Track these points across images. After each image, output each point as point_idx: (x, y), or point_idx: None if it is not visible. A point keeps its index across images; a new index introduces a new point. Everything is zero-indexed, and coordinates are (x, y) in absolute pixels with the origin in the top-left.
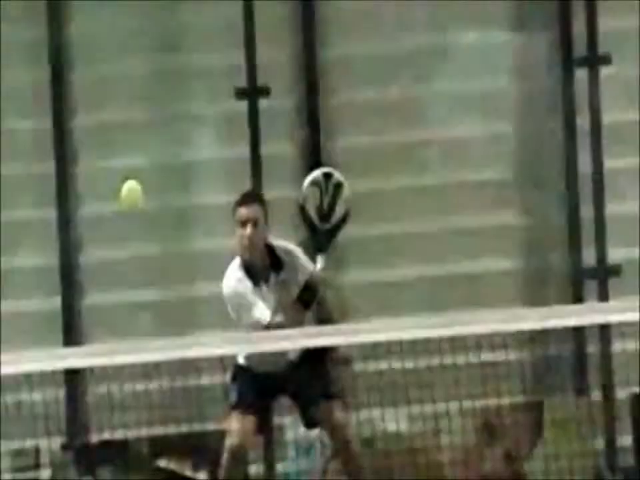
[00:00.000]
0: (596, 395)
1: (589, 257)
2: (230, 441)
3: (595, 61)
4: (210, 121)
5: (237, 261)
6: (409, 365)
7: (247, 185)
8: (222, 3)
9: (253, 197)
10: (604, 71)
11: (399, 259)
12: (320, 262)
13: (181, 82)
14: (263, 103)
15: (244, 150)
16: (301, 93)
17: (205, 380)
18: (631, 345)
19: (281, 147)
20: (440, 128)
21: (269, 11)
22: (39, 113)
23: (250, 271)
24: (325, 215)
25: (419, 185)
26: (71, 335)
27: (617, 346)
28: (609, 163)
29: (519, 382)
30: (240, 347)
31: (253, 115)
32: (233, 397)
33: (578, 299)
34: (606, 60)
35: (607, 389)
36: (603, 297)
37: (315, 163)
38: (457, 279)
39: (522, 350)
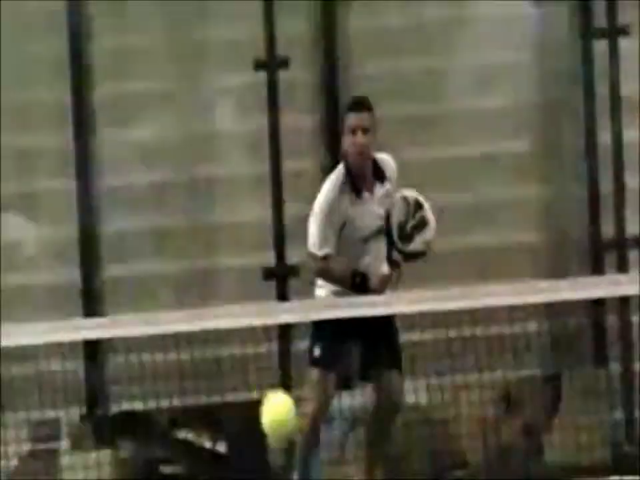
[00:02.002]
0: (615, 367)
1: (608, 228)
2: (315, 400)
3: (614, 32)
4: (230, 92)
5: (339, 171)
6: (428, 336)
7: (265, 157)
8: None
9: (363, 103)
10: (624, 43)
11: None
12: (385, 269)
13: (201, 53)
14: (282, 74)
15: (263, 121)
16: (320, 64)
17: (225, 351)
18: None
19: (300, 118)
20: (460, 100)
21: None
22: (59, 83)
23: (354, 180)
24: (403, 236)
25: (438, 157)
26: (91, 306)
27: (636, 318)
28: (628, 135)
29: (538, 354)
30: (259, 318)
31: (272, 87)
32: (317, 350)
33: (598, 270)
34: (625, 31)
35: (626, 361)
36: (623, 268)
37: (334, 135)
38: (477, 251)
39: (541, 322)
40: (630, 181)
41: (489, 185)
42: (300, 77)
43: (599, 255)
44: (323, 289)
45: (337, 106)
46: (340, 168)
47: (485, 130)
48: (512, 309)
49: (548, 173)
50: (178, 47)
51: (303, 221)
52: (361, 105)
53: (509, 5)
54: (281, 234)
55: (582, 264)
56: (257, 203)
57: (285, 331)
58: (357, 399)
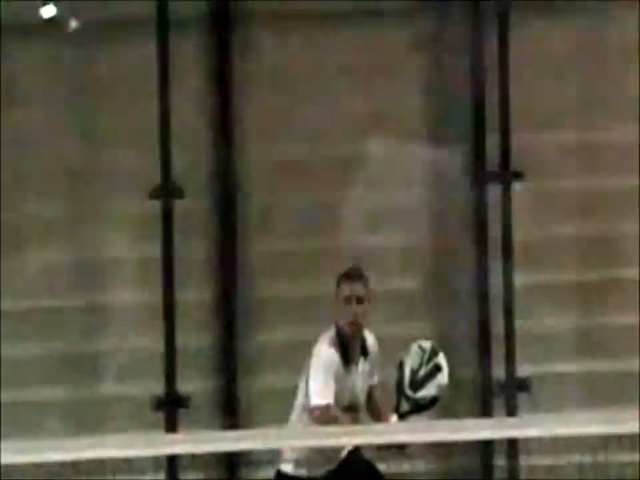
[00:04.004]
0: None
1: (498, 371)
2: None
3: (507, 176)
4: (124, 220)
5: (330, 336)
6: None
7: (159, 286)
8: (139, 104)
9: (358, 273)
10: (517, 186)
11: None
12: (393, 420)
13: (96, 180)
14: (178, 204)
15: (158, 250)
16: (216, 195)
17: None
18: (538, 461)
19: (194, 248)
20: (353, 238)
21: (185, 113)
22: None
23: (345, 349)
24: (415, 383)
25: (327, 293)
26: None
27: (524, 461)
28: (520, 279)
29: None
30: (147, 449)
31: (167, 216)
32: None
33: (487, 413)
34: (518, 176)
35: None
36: (512, 411)
37: (230, 266)
38: None
39: (430, 462)
40: (521, 323)
41: (378, 323)
42: (195, 206)
43: (489, 397)
44: (289, 465)
45: (234, 236)
46: (331, 334)
47: (377, 269)
48: (401, 447)
49: (438, 313)
50: (74, 174)
51: (194, 350)
52: (355, 275)
53: (405, 145)
54: (172, 363)
55: (471, 406)
56: (149, 332)
57: (173, 463)
58: None
